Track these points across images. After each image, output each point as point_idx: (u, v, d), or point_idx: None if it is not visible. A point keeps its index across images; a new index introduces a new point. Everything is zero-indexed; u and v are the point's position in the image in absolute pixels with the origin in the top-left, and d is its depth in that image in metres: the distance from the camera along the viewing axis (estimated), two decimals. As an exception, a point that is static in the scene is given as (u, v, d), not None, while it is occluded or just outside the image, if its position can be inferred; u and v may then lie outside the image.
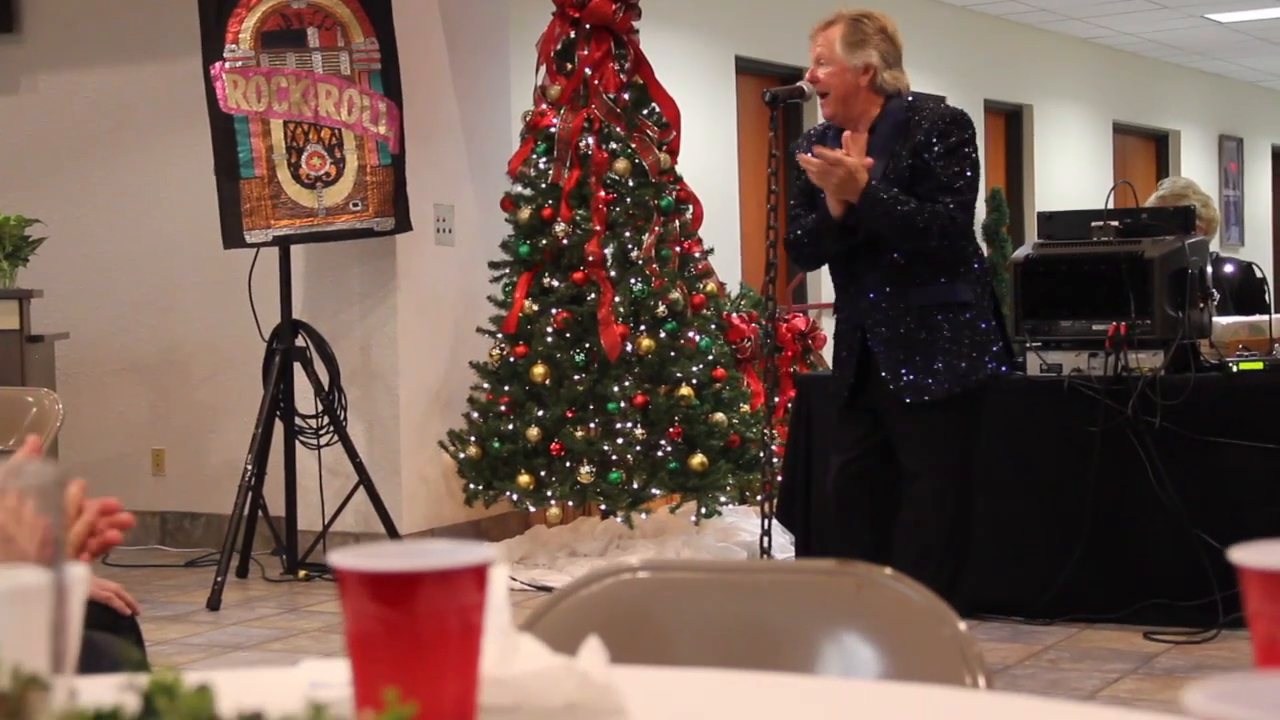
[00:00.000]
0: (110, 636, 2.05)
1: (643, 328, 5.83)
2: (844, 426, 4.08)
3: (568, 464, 5.76)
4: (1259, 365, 4.76)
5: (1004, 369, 4.06)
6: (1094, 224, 4.93)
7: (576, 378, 5.79)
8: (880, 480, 4.01)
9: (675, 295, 5.87)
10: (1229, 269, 5.81)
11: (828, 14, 4.03)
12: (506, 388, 5.90)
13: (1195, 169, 14.48)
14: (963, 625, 1.33)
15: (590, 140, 5.94)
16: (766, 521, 4.48)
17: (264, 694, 0.98)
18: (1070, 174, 12.70)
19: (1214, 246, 5.39)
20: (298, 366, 5.82)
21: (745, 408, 5.95)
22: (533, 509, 5.92)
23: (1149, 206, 5.47)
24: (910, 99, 3.95)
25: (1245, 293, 5.70)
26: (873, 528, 4.02)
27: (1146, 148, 14.53)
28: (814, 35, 3.97)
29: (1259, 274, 5.79)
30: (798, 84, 3.95)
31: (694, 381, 5.80)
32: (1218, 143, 15.31)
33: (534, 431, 5.78)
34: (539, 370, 5.80)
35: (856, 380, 4.00)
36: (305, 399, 5.88)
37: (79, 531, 1.62)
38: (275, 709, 0.88)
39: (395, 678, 0.95)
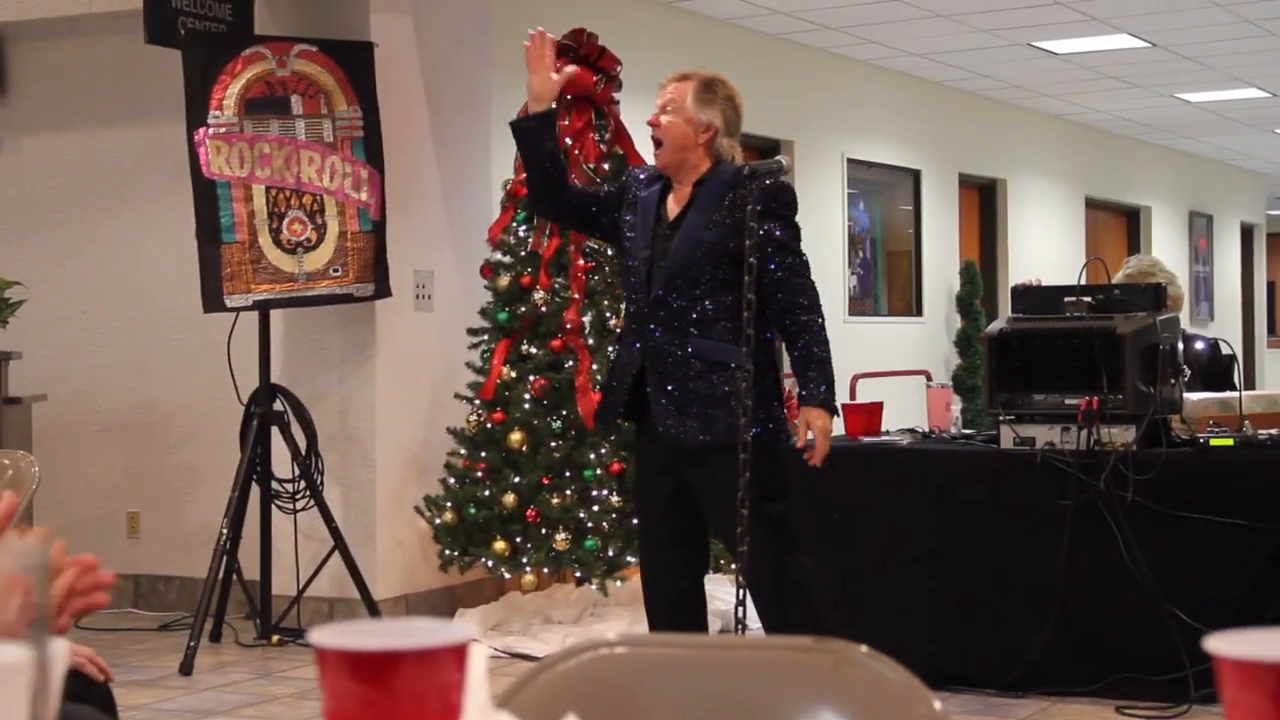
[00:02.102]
0: (88, 709, 2.04)
1: (620, 396, 5.85)
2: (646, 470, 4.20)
3: (543, 530, 5.76)
4: (1230, 441, 4.80)
5: None
6: (1067, 299, 4.98)
7: (553, 444, 5.80)
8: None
9: (652, 364, 5.89)
10: (1200, 346, 5.86)
11: (684, 68, 4.14)
12: (483, 454, 5.90)
13: (1166, 244, 14.63)
14: (938, 703, 1.34)
15: (570, 209, 5.97)
16: (741, 591, 4.48)
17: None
18: (1043, 247, 12.81)
19: (1182, 323, 5.44)
20: (275, 430, 5.82)
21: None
22: (508, 575, 5.90)
23: (1120, 283, 5.52)
24: (741, 166, 4.02)
25: (1212, 370, 5.75)
26: None
27: (1118, 223, 14.68)
28: (665, 84, 4.10)
29: (1226, 350, 5.85)
30: (776, 158, 4.00)
31: (670, 450, 5.81)
32: (1188, 219, 15.47)
33: (510, 498, 5.78)
34: (516, 437, 5.80)
35: None
36: (282, 463, 5.88)
37: (58, 591, 1.61)
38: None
39: (374, 755, 0.95)
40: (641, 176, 4.19)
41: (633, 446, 5.78)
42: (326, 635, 0.98)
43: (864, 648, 1.43)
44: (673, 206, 4.06)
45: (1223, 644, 0.92)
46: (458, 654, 0.99)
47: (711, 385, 3.95)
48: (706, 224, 3.97)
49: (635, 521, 4.08)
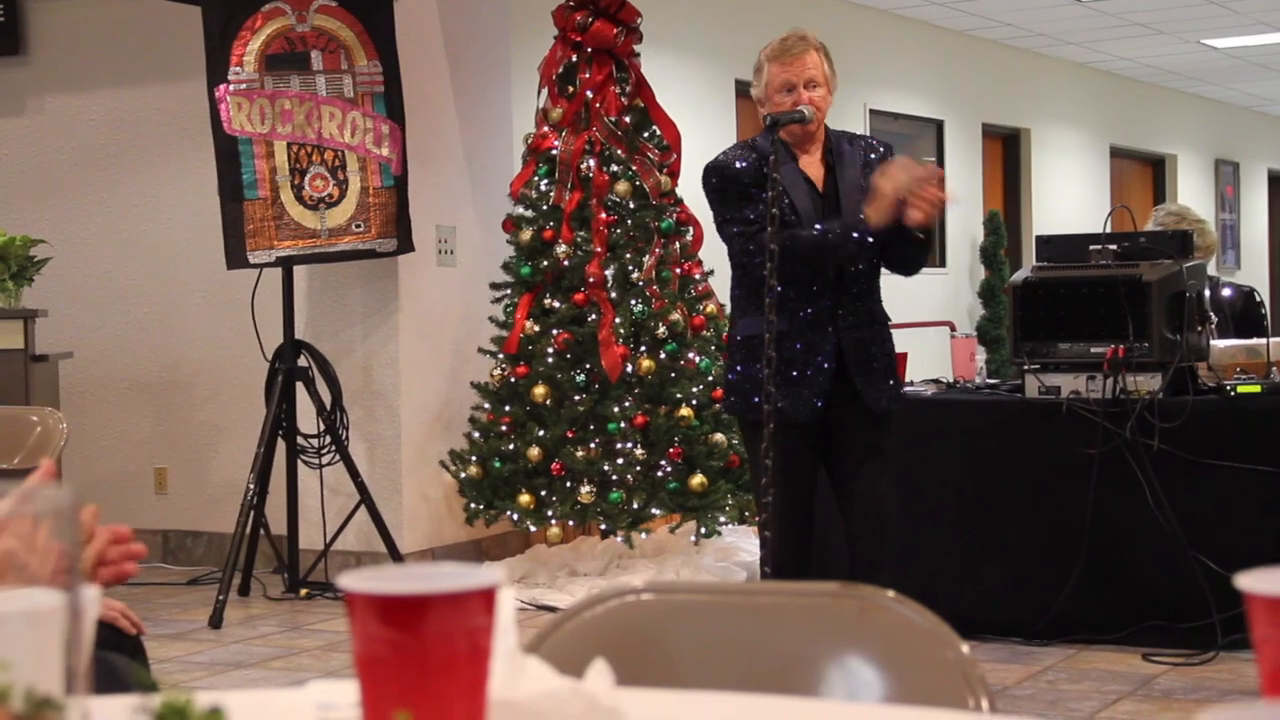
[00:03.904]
0: (120, 657, 2.06)
1: (643, 349, 5.85)
2: (801, 455, 3.95)
3: (568, 484, 5.77)
4: (1257, 388, 4.77)
5: None
6: (1092, 248, 4.95)
7: (577, 398, 5.81)
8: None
9: (675, 316, 5.89)
10: (1228, 293, 5.82)
11: (799, 34, 4.03)
12: (507, 408, 5.91)
13: (1191, 193, 14.52)
14: (965, 648, 1.34)
15: (591, 162, 5.96)
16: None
17: (272, 716, 0.99)
18: (1067, 197, 12.73)
19: (1211, 270, 5.41)
20: (300, 386, 5.84)
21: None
22: (533, 528, 5.93)
23: (1147, 230, 5.49)
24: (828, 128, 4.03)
25: (1247, 317, 5.72)
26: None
27: (1143, 171, 14.57)
28: (795, 57, 3.95)
29: (1259, 299, 5.81)
30: (798, 108, 3.96)
31: (694, 402, 5.82)
32: (1214, 167, 15.34)
33: (535, 451, 5.79)
34: (540, 390, 5.81)
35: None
36: (307, 418, 5.90)
37: (89, 558, 1.62)
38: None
39: (403, 700, 0.96)
40: (742, 164, 3.95)
41: (662, 399, 5.79)
42: (356, 580, 0.98)
43: (891, 593, 1.43)
44: (815, 174, 3.97)
45: (1255, 582, 0.92)
46: (486, 598, 1.00)
47: (889, 345, 4.03)
48: (859, 186, 3.94)
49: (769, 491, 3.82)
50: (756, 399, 3.79)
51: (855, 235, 3.83)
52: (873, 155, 4.03)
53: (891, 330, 4.13)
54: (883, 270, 4.06)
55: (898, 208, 3.77)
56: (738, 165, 3.95)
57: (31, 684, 0.90)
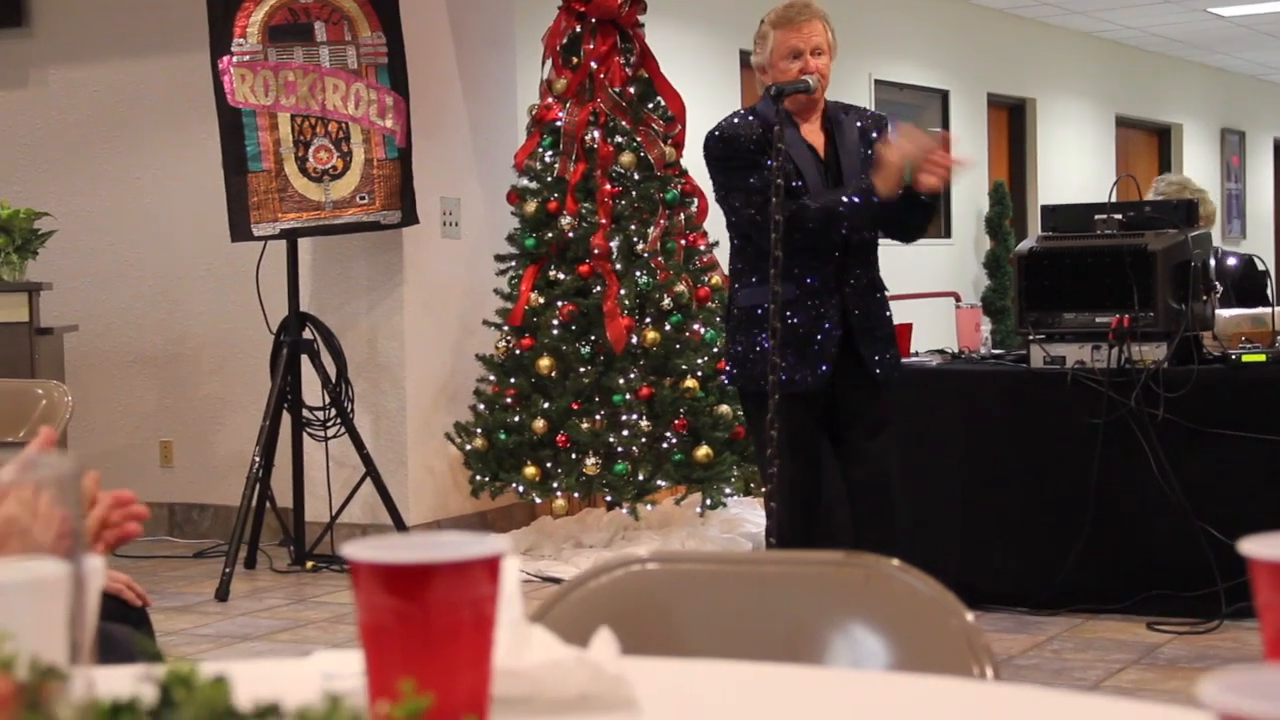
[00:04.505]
0: (125, 628, 2.06)
1: (648, 320, 5.85)
2: (807, 426, 3.92)
3: (573, 456, 5.78)
4: (1262, 358, 4.77)
5: None
6: (1097, 217, 4.93)
7: (582, 370, 5.80)
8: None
9: (680, 288, 5.88)
10: (1231, 262, 5.81)
11: (804, 1, 4.00)
12: (512, 380, 5.91)
13: (1197, 162, 14.48)
14: (970, 616, 1.34)
15: (596, 134, 5.95)
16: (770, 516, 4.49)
17: (278, 685, 0.99)
18: (1073, 167, 12.70)
19: (1214, 240, 5.40)
20: (305, 359, 5.84)
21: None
22: (539, 500, 5.93)
23: (1151, 200, 5.47)
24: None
25: (1247, 285, 5.71)
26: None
27: (1149, 141, 14.53)
28: (802, 23, 3.94)
29: (1261, 266, 5.80)
30: (802, 77, 3.94)
31: (699, 374, 5.82)
32: (1220, 136, 15.30)
33: (540, 423, 5.79)
34: (545, 363, 5.81)
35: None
36: (312, 391, 5.90)
37: (92, 524, 1.62)
38: (290, 700, 0.89)
39: (408, 669, 0.96)
40: (746, 132, 3.91)
41: (667, 371, 5.79)
42: (360, 549, 0.98)
43: (896, 561, 1.43)
44: (815, 142, 3.96)
45: (1258, 547, 0.91)
46: (490, 566, 0.99)
47: (889, 314, 4.05)
48: (859, 153, 3.95)
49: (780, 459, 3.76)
50: (760, 370, 3.79)
51: (866, 201, 3.81)
52: (870, 125, 4.03)
53: (896, 301, 4.13)
54: (881, 240, 4.05)
55: (904, 176, 3.77)
56: (741, 133, 3.93)
57: (35, 654, 0.90)
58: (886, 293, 4.08)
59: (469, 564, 0.98)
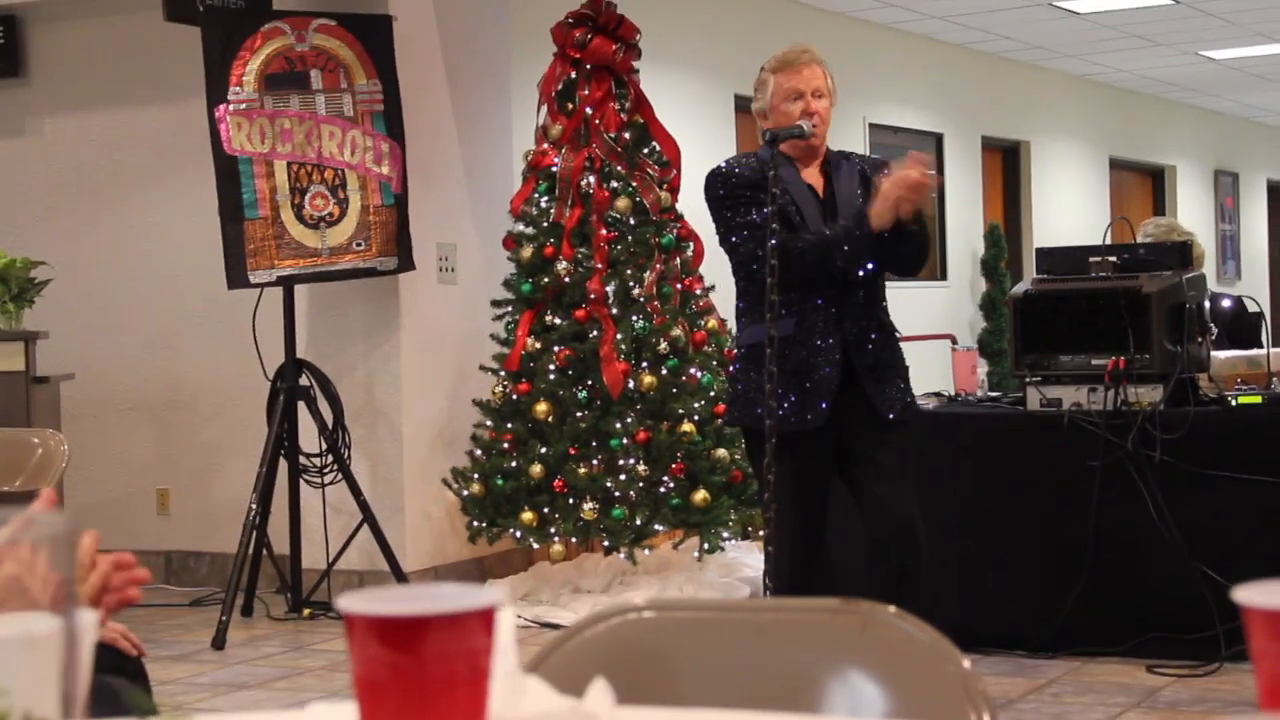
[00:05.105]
0: (119, 680, 2.05)
1: (644, 365, 5.85)
2: (810, 468, 3.92)
3: (571, 501, 5.77)
4: (1258, 399, 4.77)
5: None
6: (1092, 259, 4.95)
7: (579, 415, 5.80)
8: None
9: (677, 332, 5.89)
10: (1225, 304, 5.83)
11: (802, 47, 4.06)
12: (509, 425, 5.91)
13: (1191, 204, 14.53)
14: (967, 662, 1.34)
15: (591, 179, 5.97)
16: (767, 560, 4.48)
17: (274, 737, 0.99)
18: (1067, 209, 12.74)
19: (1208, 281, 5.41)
20: (302, 405, 5.84)
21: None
22: (536, 546, 5.92)
23: (1146, 242, 5.49)
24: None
25: (1239, 327, 5.73)
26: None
27: (1143, 183, 14.58)
28: (802, 66, 3.99)
29: (1254, 308, 5.82)
30: (797, 122, 3.97)
31: (696, 418, 5.82)
32: (1213, 178, 15.36)
33: (537, 468, 5.79)
34: (542, 407, 5.81)
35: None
36: (309, 438, 5.90)
37: (92, 586, 1.61)
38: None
39: (404, 721, 0.96)
40: (747, 170, 3.96)
41: (664, 415, 5.79)
42: (354, 602, 0.98)
43: (892, 608, 1.43)
44: (815, 183, 4.01)
45: (1251, 594, 0.91)
46: (485, 619, 0.99)
47: (898, 354, 4.04)
48: (856, 195, 3.98)
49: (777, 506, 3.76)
50: (761, 409, 3.79)
51: (860, 228, 3.83)
52: (869, 169, 4.07)
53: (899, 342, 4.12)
54: (889, 281, 4.07)
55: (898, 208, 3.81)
56: (742, 172, 3.98)
57: (28, 709, 0.90)
58: (898, 334, 4.08)
59: (463, 616, 0.98)
